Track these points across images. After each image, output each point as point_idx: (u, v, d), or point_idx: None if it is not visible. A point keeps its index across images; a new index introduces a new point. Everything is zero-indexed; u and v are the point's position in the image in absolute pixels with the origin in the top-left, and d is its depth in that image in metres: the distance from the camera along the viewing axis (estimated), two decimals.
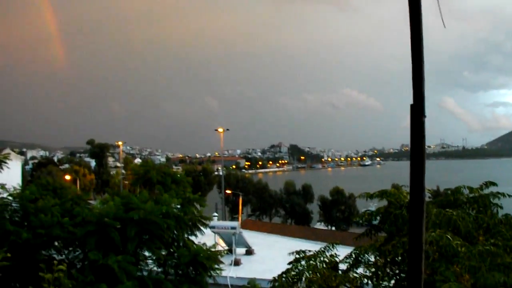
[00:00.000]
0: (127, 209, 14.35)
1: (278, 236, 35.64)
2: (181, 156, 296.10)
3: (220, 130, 61.07)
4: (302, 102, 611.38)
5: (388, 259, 9.59)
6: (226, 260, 21.69)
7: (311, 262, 10.49)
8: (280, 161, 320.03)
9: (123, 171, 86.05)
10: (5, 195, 16.41)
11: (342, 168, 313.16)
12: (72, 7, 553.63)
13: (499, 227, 9.46)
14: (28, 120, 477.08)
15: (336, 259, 10.72)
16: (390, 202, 10.48)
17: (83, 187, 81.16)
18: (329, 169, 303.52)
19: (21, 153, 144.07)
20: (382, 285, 9.74)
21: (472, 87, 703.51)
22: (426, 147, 4.24)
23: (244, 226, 38.49)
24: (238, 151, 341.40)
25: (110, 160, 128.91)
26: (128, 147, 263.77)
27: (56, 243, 14.90)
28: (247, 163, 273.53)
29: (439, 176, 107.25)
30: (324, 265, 10.42)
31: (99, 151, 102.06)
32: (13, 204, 15.40)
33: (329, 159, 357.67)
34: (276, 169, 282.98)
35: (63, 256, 15.20)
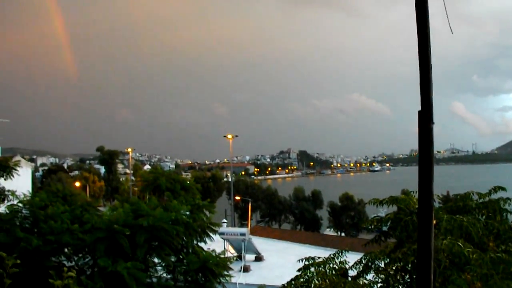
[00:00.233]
0: (137, 216, 14.40)
1: (288, 242, 35.41)
2: (190, 162, 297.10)
3: (229, 136, 61.16)
4: (311, 108, 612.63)
5: (399, 267, 9.49)
6: (236, 266, 21.57)
7: (321, 268, 10.42)
8: (289, 167, 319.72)
9: (133, 177, 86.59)
10: (15, 202, 16.58)
11: (352, 174, 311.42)
12: (83, 16, 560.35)
13: (509, 233, 9.34)
14: (38, 127, 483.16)
15: (346, 265, 10.64)
16: (400, 208, 10.39)
17: (92, 194, 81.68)
18: (338, 175, 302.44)
19: (31, 160, 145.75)
20: None
21: (482, 92, 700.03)
22: (435, 152, 4.20)
23: (254, 232, 38.34)
24: (247, 157, 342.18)
25: (120, 166, 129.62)
26: (137, 154, 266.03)
27: (66, 250, 14.98)
28: (256, 169, 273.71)
29: (449, 181, 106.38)
30: (334, 272, 10.34)
31: (109, 157, 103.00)
32: (23, 211, 15.53)
33: (338, 165, 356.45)
34: (285, 175, 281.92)
35: (73, 262, 15.28)
